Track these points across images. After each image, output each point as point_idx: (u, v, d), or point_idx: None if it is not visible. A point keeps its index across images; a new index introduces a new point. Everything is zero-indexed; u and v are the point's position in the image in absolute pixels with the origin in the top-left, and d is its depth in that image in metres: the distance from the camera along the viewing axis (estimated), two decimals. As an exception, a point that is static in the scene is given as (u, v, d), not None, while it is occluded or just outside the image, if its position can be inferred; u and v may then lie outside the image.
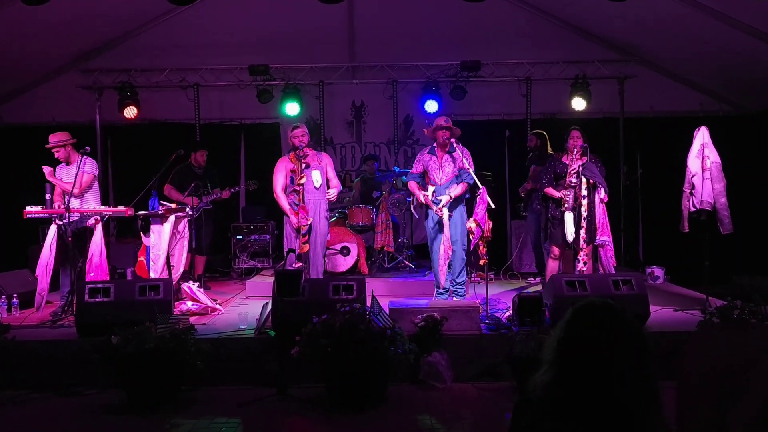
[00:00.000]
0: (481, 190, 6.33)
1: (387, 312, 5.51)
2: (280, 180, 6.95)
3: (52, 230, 6.65)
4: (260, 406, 5.00)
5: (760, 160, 9.41)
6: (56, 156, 7.06)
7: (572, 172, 6.68)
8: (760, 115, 9.84)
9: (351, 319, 4.94)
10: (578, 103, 9.66)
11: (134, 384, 5.00)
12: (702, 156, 6.41)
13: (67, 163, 6.99)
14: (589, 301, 1.91)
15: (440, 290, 6.88)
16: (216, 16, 9.77)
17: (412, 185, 6.98)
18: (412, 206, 7.86)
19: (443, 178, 6.77)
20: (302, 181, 6.73)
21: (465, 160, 6.65)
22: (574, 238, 6.62)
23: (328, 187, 7.04)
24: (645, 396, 1.76)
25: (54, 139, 7.06)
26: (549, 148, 8.44)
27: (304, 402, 5.06)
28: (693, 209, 6.48)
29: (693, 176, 6.45)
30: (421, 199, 6.80)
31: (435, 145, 6.91)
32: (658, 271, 8.62)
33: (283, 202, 6.89)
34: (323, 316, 5.04)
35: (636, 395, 1.75)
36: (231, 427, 4.66)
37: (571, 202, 6.63)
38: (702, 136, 6.49)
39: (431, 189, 6.76)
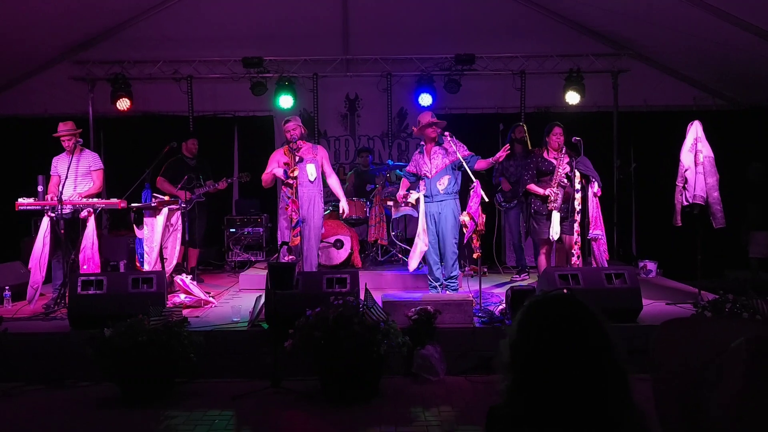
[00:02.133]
0: (474, 184, 6.33)
1: (380, 305, 5.52)
2: (271, 167, 6.98)
3: (45, 222, 6.62)
4: (254, 399, 5.01)
5: (752, 154, 9.43)
6: (64, 145, 7.02)
7: (561, 171, 6.65)
8: (754, 110, 9.87)
9: (344, 312, 4.95)
10: (572, 97, 9.67)
11: (127, 377, 4.99)
12: (695, 150, 6.42)
13: (71, 154, 6.96)
14: (537, 296, 1.79)
15: (433, 283, 6.89)
16: (210, 8, 9.76)
17: (403, 182, 7.19)
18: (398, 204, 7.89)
19: (432, 170, 6.81)
20: (295, 174, 6.71)
21: (458, 151, 6.65)
22: (561, 235, 6.63)
23: (324, 181, 7.03)
24: (613, 388, 1.64)
25: (64, 128, 7.04)
26: (529, 144, 8.43)
27: (298, 394, 5.07)
28: (686, 203, 6.49)
29: (686, 170, 6.47)
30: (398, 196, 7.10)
31: (422, 143, 6.96)
32: (651, 265, 8.65)
33: (274, 171, 6.93)
34: (317, 309, 5.04)
35: (604, 388, 1.62)
36: (224, 419, 4.66)
37: (559, 201, 6.60)
38: (695, 130, 6.50)
39: (422, 184, 6.87)
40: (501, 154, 6.64)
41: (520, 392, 1.67)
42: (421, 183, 6.88)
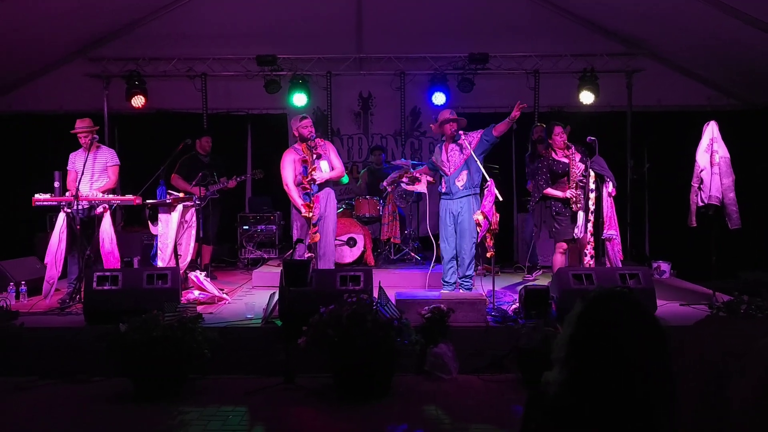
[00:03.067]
0: (489, 183, 6.32)
1: (394, 303, 5.53)
2: (289, 173, 6.87)
3: (61, 218, 6.67)
4: (267, 395, 5.02)
5: (766, 155, 9.38)
6: (81, 141, 7.06)
7: (576, 170, 6.62)
8: (766, 110, 9.79)
9: (358, 310, 4.96)
10: (586, 97, 9.63)
11: (141, 372, 5.00)
12: (711, 150, 6.39)
13: (87, 150, 7.00)
14: (601, 291, 1.76)
15: (448, 284, 6.88)
16: (224, 6, 9.79)
17: (424, 168, 7.28)
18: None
19: (451, 168, 6.78)
20: (316, 175, 6.70)
21: (472, 143, 6.65)
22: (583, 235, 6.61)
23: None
24: (665, 393, 1.64)
25: (81, 124, 7.09)
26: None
27: (311, 391, 5.08)
28: (701, 204, 6.46)
29: (701, 171, 6.43)
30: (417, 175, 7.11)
31: (443, 138, 6.92)
32: (665, 266, 8.61)
33: (295, 195, 6.81)
34: (330, 307, 5.05)
35: (656, 393, 1.63)
36: (238, 415, 4.67)
37: (582, 201, 6.55)
38: (711, 130, 6.47)
39: (442, 181, 6.85)
40: (516, 113, 6.54)
41: (572, 387, 1.67)
42: (442, 179, 6.87)
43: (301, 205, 6.71)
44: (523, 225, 9.48)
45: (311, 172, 6.67)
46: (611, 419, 1.62)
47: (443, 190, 6.84)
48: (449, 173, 6.77)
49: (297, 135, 6.91)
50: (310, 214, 6.64)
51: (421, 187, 7.20)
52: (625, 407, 1.62)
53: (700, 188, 6.45)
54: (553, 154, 6.87)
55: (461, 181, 6.73)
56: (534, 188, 7.15)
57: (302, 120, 6.89)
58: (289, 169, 6.88)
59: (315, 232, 6.69)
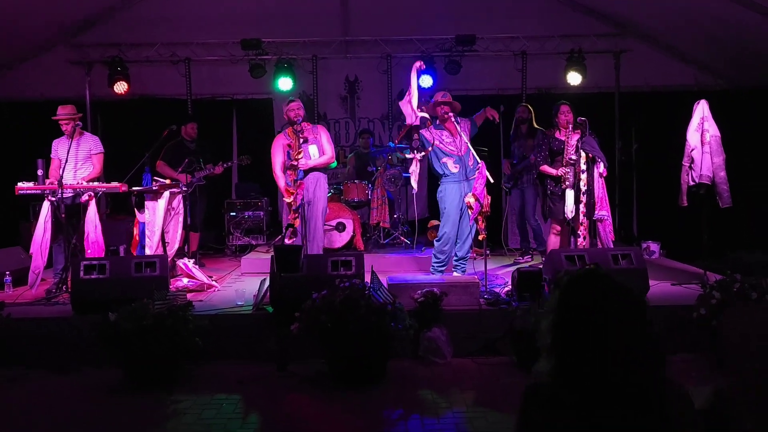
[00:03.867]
0: (480, 165, 6.27)
1: (386, 287, 5.48)
2: (279, 159, 6.79)
3: (45, 207, 6.55)
4: (260, 383, 4.99)
5: (753, 135, 9.39)
6: (63, 128, 6.92)
7: (570, 149, 6.65)
8: (754, 91, 9.80)
9: (351, 295, 4.91)
10: (574, 78, 9.59)
11: (132, 361, 4.95)
12: (701, 129, 6.38)
13: (70, 138, 6.87)
14: (573, 274, 1.77)
15: (443, 265, 6.80)
16: (207, -11, 9.63)
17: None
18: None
19: (462, 148, 6.63)
20: (300, 156, 6.62)
21: (465, 129, 6.59)
22: (574, 215, 6.60)
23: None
24: (655, 365, 1.66)
25: (63, 111, 6.94)
26: (534, 122, 8.39)
27: (305, 378, 5.05)
28: (692, 183, 6.46)
29: (692, 150, 6.42)
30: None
31: (439, 121, 6.80)
32: (654, 246, 8.63)
33: (281, 182, 6.76)
34: (323, 292, 5.00)
35: (646, 366, 1.63)
36: (231, 403, 4.63)
37: (572, 179, 6.58)
38: (702, 109, 6.45)
39: (451, 162, 6.64)
40: (490, 112, 6.74)
41: (561, 373, 1.66)
42: (448, 161, 6.65)
43: (283, 189, 6.65)
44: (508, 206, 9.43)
45: (295, 156, 6.59)
46: (606, 402, 1.61)
47: (453, 171, 6.62)
48: (460, 153, 6.63)
49: (285, 118, 6.83)
50: (290, 200, 6.56)
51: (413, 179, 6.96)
52: (618, 387, 1.62)
53: (690, 167, 6.45)
54: (556, 133, 6.89)
55: (472, 161, 6.61)
56: (534, 165, 7.22)
57: (289, 103, 6.81)
58: (278, 154, 6.80)
59: (295, 218, 6.59)
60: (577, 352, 1.66)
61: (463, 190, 6.60)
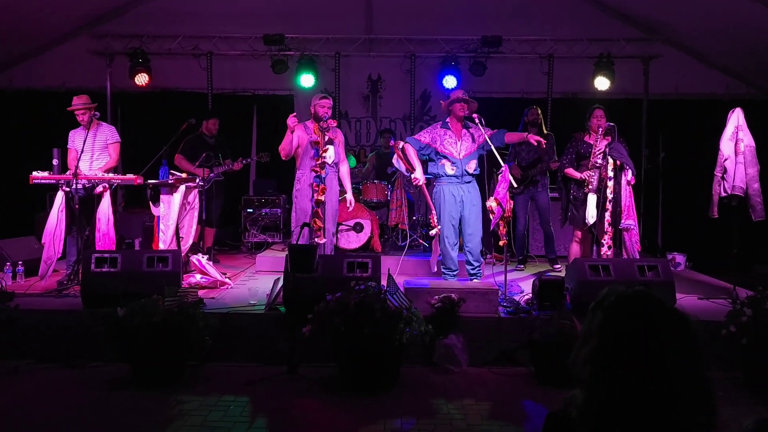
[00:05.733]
0: (503, 169, 6.09)
1: (402, 291, 5.33)
2: (295, 137, 6.55)
3: (59, 197, 6.47)
4: (270, 385, 4.85)
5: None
6: (79, 119, 6.85)
7: (597, 152, 6.48)
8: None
9: (366, 299, 4.75)
10: (601, 83, 9.38)
11: (140, 358, 4.84)
12: (736, 139, 6.14)
13: (87, 128, 6.79)
14: (619, 295, 1.52)
15: (452, 271, 6.62)
16: (231, -17, 9.53)
17: (409, 149, 6.57)
18: (401, 178, 7.20)
19: (462, 153, 6.46)
20: (326, 154, 6.45)
21: (485, 133, 6.41)
22: (595, 222, 6.41)
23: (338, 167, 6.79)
24: (707, 404, 1.42)
25: (78, 101, 6.87)
26: (544, 127, 8.16)
27: (315, 382, 4.90)
28: (724, 194, 6.22)
29: (725, 160, 6.18)
30: (414, 164, 6.51)
31: (448, 120, 6.62)
32: (680, 258, 8.39)
33: (289, 143, 6.52)
34: (337, 294, 4.85)
35: (697, 404, 1.40)
36: (239, 405, 4.49)
37: (595, 183, 6.42)
38: (736, 117, 6.21)
39: (448, 164, 6.48)
40: (534, 138, 6.44)
41: (599, 410, 1.43)
42: (446, 162, 6.49)
43: (311, 186, 6.46)
44: (534, 212, 9.22)
45: (322, 154, 6.44)
46: None
47: (450, 173, 6.45)
48: (459, 157, 6.47)
49: (312, 112, 6.63)
50: (322, 197, 6.42)
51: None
52: (664, 424, 1.38)
53: (723, 178, 6.21)
54: (586, 137, 6.74)
55: (470, 167, 6.48)
56: (559, 168, 7.07)
57: (323, 98, 6.62)
58: (299, 130, 6.59)
59: (321, 218, 6.45)
60: (621, 388, 1.42)
61: (456, 191, 6.45)
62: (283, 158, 6.67)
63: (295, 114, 6.50)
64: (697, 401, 1.41)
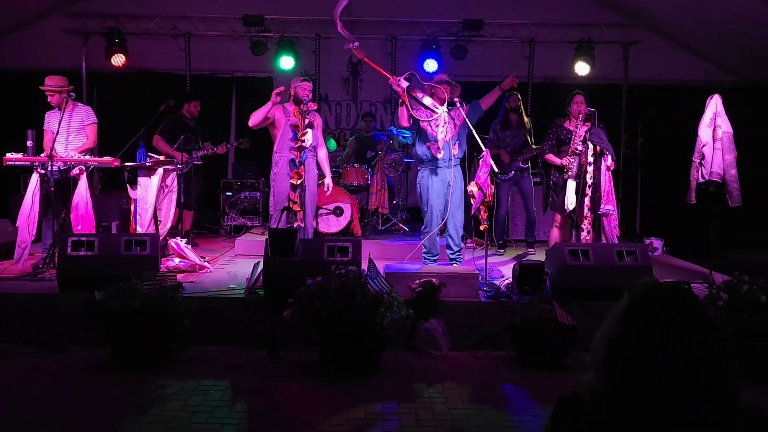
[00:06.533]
0: (484, 153, 6.07)
1: (383, 276, 5.31)
2: (266, 114, 6.50)
3: (34, 179, 6.36)
4: (250, 369, 4.83)
5: (761, 133, 9.20)
6: (49, 100, 6.71)
7: (577, 138, 6.49)
8: (766, 87, 9.61)
9: (347, 283, 4.74)
10: (581, 68, 9.41)
11: (119, 342, 4.80)
12: (714, 125, 6.19)
13: (59, 109, 6.66)
14: (652, 285, 1.48)
15: (433, 255, 6.61)
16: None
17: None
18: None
19: (448, 136, 6.42)
20: (305, 138, 6.40)
21: (458, 116, 6.38)
22: (575, 207, 6.44)
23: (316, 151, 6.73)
24: (728, 404, 1.39)
25: (51, 82, 6.72)
26: (525, 113, 8.15)
27: (296, 366, 4.89)
28: (701, 180, 6.28)
29: (703, 146, 6.24)
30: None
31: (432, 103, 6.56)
32: (657, 243, 8.47)
33: (261, 116, 6.48)
34: (318, 278, 4.83)
35: (718, 408, 1.37)
36: (219, 389, 4.46)
37: (575, 169, 6.44)
38: (715, 104, 6.26)
39: (435, 147, 6.41)
40: (506, 84, 6.48)
41: (610, 396, 1.40)
42: (434, 145, 6.36)
43: (291, 172, 6.41)
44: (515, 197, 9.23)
45: (301, 138, 6.38)
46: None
47: (438, 156, 6.36)
48: (446, 139, 6.43)
49: (292, 94, 6.56)
50: (297, 182, 6.36)
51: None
52: (674, 418, 1.36)
53: (701, 164, 6.26)
54: (566, 122, 6.75)
55: (456, 149, 6.45)
56: (539, 154, 7.09)
57: (303, 81, 6.57)
58: (274, 111, 6.53)
59: (296, 202, 6.40)
60: (637, 375, 1.39)
61: (444, 175, 6.40)
62: (250, 126, 6.59)
63: (282, 90, 6.42)
64: (719, 403, 1.38)
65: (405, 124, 6.54)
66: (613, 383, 1.41)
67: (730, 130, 6.25)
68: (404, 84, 6.32)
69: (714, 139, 6.19)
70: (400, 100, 6.38)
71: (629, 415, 1.38)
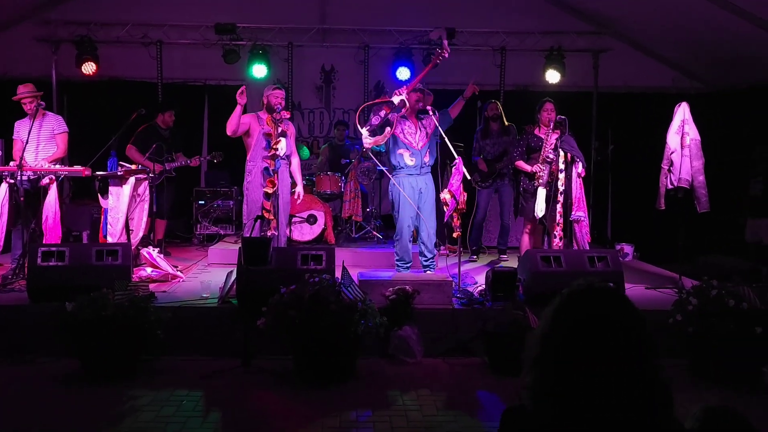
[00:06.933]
0: (456, 161, 6.11)
1: (357, 283, 5.32)
2: (241, 124, 6.40)
3: (3, 189, 6.28)
4: (224, 379, 4.80)
5: (729, 138, 9.36)
6: (26, 108, 6.63)
7: (548, 146, 6.56)
8: (731, 93, 9.79)
9: (321, 291, 4.74)
10: (552, 76, 9.51)
11: (90, 353, 4.75)
12: (682, 132, 6.31)
13: (32, 118, 6.58)
14: (581, 285, 1.55)
15: (406, 263, 6.64)
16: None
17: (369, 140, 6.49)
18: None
19: (419, 143, 6.46)
20: (278, 146, 6.37)
21: (429, 125, 6.42)
22: (544, 214, 6.50)
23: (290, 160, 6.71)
24: (657, 393, 1.45)
25: (24, 89, 6.65)
26: (505, 120, 8.20)
27: (270, 374, 4.88)
28: (670, 186, 6.38)
29: (672, 153, 6.34)
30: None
31: (405, 111, 6.59)
32: (627, 248, 8.58)
33: (235, 123, 6.35)
34: (291, 287, 4.83)
35: (647, 394, 1.43)
36: (192, 400, 4.43)
37: (545, 177, 6.51)
38: (683, 111, 6.38)
39: (407, 155, 6.46)
40: (468, 93, 6.47)
41: (547, 392, 1.45)
42: (405, 153, 6.45)
43: (265, 181, 6.39)
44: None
45: (274, 146, 6.37)
46: (594, 426, 1.41)
47: (409, 164, 6.43)
48: (418, 147, 6.46)
49: (265, 103, 6.54)
50: (271, 190, 6.35)
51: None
52: (608, 410, 1.41)
53: (670, 170, 6.37)
54: (536, 130, 6.83)
55: (428, 157, 6.50)
56: (510, 160, 7.15)
57: (276, 89, 6.55)
58: (248, 119, 6.48)
59: (269, 210, 6.38)
60: (562, 368, 1.45)
61: (415, 183, 6.45)
62: (229, 134, 6.46)
63: (244, 89, 6.35)
64: (649, 393, 1.43)
65: (381, 143, 6.53)
66: (548, 381, 1.46)
67: (698, 137, 6.36)
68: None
69: (682, 146, 6.30)
70: (388, 120, 6.38)
71: (567, 413, 1.42)
